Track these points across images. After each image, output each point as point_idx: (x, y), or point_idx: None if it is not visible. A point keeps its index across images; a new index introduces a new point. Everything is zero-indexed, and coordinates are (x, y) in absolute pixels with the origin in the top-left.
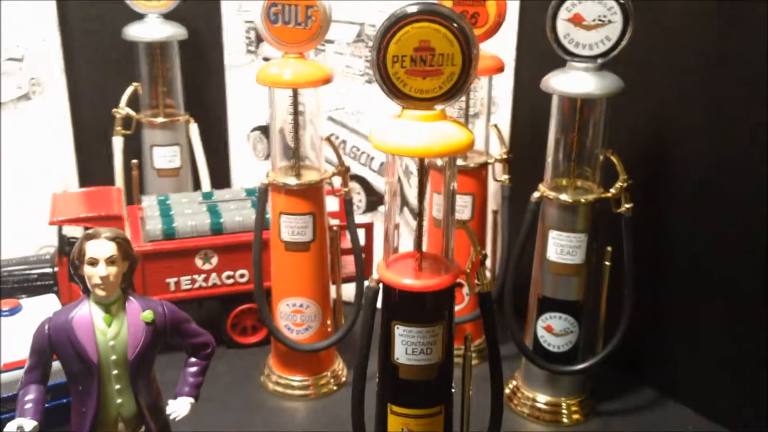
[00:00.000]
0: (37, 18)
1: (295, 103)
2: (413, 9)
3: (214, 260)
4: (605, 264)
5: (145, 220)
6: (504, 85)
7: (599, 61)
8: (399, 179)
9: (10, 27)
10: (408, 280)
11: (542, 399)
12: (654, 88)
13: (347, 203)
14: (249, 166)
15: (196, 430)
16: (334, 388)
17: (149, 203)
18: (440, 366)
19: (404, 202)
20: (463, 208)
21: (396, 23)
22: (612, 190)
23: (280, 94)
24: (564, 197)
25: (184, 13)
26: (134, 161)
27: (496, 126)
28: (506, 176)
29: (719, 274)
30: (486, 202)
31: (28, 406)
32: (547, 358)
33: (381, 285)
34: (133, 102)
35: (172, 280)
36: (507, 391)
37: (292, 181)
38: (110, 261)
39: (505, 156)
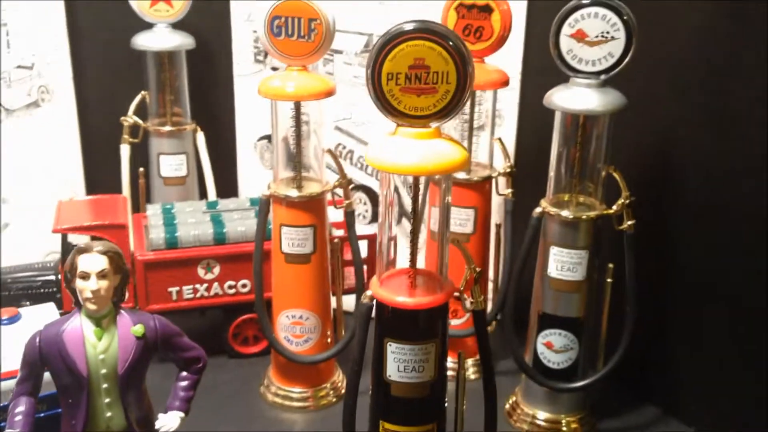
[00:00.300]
0: (47, 27)
1: (298, 116)
2: (408, 27)
3: (216, 270)
4: (607, 281)
5: (148, 229)
6: (510, 99)
7: (602, 77)
8: (397, 191)
9: (20, 35)
10: (400, 298)
11: (542, 416)
12: (658, 104)
13: (348, 215)
14: (256, 176)
15: None
16: (334, 400)
17: (154, 212)
18: (433, 384)
19: (404, 214)
20: (466, 221)
21: (391, 41)
22: (614, 207)
23: (283, 106)
24: (565, 213)
25: (194, 23)
26: (141, 169)
27: (500, 139)
28: (509, 190)
29: (723, 290)
30: (489, 216)
31: (18, 418)
32: (546, 375)
33: (374, 301)
34: (141, 110)
35: (174, 289)
36: (507, 406)
37: (293, 192)
38: (101, 275)
39: (508, 170)
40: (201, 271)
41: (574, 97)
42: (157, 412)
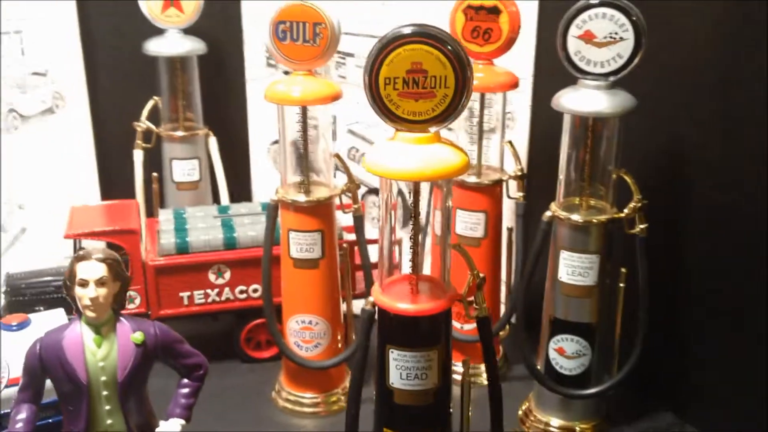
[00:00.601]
0: (61, 33)
1: (304, 120)
2: (405, 30)
3: (227, 275)
4: (619, 285)
5: (159, 234)
6: (522, 101)
7: (611, 78)
8: (401, 194)
9: (34, 42)
10: (401, 304)
11: (555, 423)
12: (669, 105)
13: (357, 219)
14: (270, 180)
15: None
16: (344, 405)
17: (166, 217)
18: (436, 391)
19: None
20: (476, 225)
21: (388, 45)
22: (625, 210)
23: (289, 111)
24: (575, 217)
25: (205, 28)
26: (154, 174)
27: (510, 142)
28: (520, 193)
29: (739, 294)
30: (500, 220)
31: (19, 425)
32: (559, 381)
33: (376, 308)
34: (154, 116)
35: (185, 294)
36: (519, 413)
37: (301, 197)
38: (100, 282)
39: (519, 173)
40: (212, 276)
41: (583, 99)
42: (159, 418)
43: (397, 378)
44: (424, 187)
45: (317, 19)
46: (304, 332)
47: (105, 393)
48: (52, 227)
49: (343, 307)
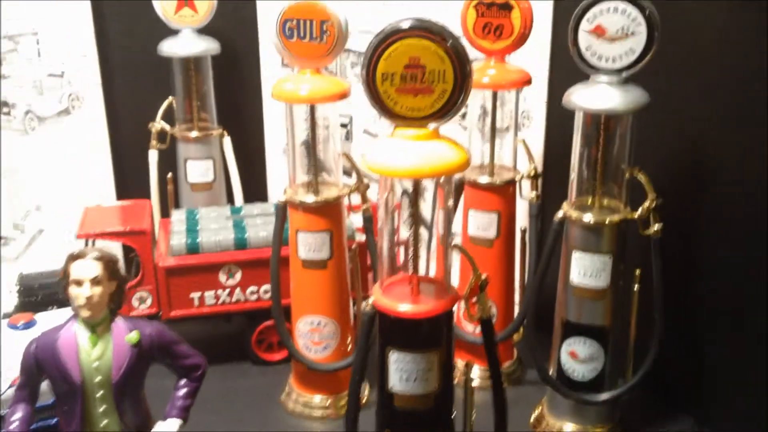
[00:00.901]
0: (76, 35)
1: (312, 119)
2: (402, 25)
3: (238, 275)
4: (633, 287)
5: (171, 235)
6: (538, 99)
7: (623, 74)
8: (406, 193)
9: (50, 44)
10: (400, 306)
11: (569, 427)
12: (685, 102)
13: (366, 220)
14: (285, 180)
15: None
16: None
17: (178, 217)
18: (437, 395)
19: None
20: (489, 226)
21: (385, 39)
22: (639, 210)
23: (298, 110)
24: (587, 217)
25: (221, 28)
26: (169, 175)
27: (524, 141)
28: (534, 193)
29: (757, 295)
30: (513, 220)
31: (15, 425)
32: (571, 386)
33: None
34: (169, 116)
35: (195, 295)
36: (532, 419)
37: (309, 198)
38: (95, 281)
39: (533, 172)
40: (223, 277)
41: (594, 96)
42: (157, 419)
43: (397, 381)
44: (429, 186)
45: (324, 16)
46: (313, 334)
47: (100, 393)
48: (69, 228)
49: (354, 308)
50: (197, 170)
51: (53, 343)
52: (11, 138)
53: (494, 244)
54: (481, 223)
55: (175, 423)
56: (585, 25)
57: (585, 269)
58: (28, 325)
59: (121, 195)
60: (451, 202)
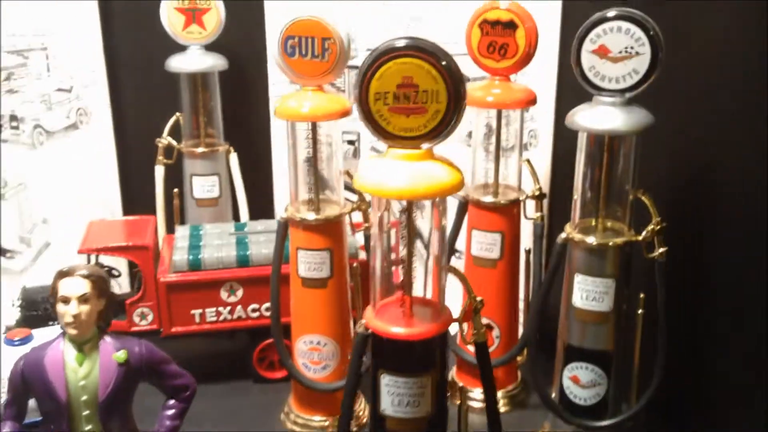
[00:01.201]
0: (85, 50)
1: (314, 137)
2: (395, 44)
3: (240, 293)
4: (638, 312)
5: (174, 251)
6: (546, 119)
7: (627, 95)
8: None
9: (59, 58)
10: (392, 328)
11: None
12: (690, 123)
13: (367, 239)
14: None
15: None
16: (354, 429)
17: (182, 233)
18: (430, 419)
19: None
20: (492, 246)
21: (378, 59)
22: (643, 233)
23: (300, 128)
24: (590, 240)
25: (229, 44)
26: (175, 190)
27: (528, 161)
28: (538, 214)
29: (765, 321)
30: (518, 241)
31: None
32: (573, 411)
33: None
34: (176, 132)
35: (197, 312)
36: None
37: (310, 215)
38: (83, 299)
39: (537, 193)
40: (224, 294)
41: (598, 117)
42: None
43: (389, 404)
44: (428, 203)
45: (326, 34)
46: (312, 353)
47: (86, 413)
48: (76, 242)
49: (354, 328)
50: (203, 186)
51: (40, 361)
52: (19, 152)
53: (498, 265)
54: (484, 244)
55: None
56: (588, 45)
57: (587, 292)
58: (25, 340)
59: (127, 210)
60: (445, 222)
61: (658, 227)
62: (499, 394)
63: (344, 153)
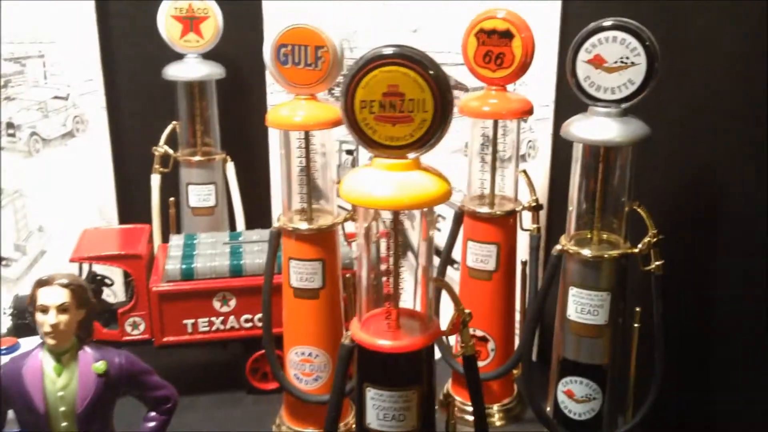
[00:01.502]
0: (82, 58)
1: (307, 146)
2: (381, 52)
3: (233, 303)
4: (634, 326)
5: (167, 260)
6: (545, 129)
7: (622, 105)
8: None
9: (56, 66)
10: (378, 340)
11: None
12: (688, 134)
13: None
14: None
15: None
16: None
17: (176, 242)
18: None
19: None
20: (487, 258)
21: (363, 67)
22: (639, 246)
23: (293, 137)
24: (586, 252)
25: (227, 52)
26: (171, 199)
27: (524, 171)
28: (535, 225)
29: (763, 335)
30: (514, 252)
31: None
32: (568, 426)
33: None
34: (173, 140)
35: (189, 322)
36: None
37: (302, 225)
38: (62, 309)
39: (533, 204)
40: (217, 304)
41: (592, 128)
42: None
43: (374, 418)
44: (416, 216)
45: (319, 42)
46: (303, 364)
47: (64, 424)
48: (71, 250)
49: None
50: (198, 195)
51: (19, 371)
52: (15, 159)
53: (493, 277)
54: (480, 255)
55: None
56: (583, 55)
57: (582, 306)
58: (11, 349)
59: (124, 218)
60: (433, 233)
61: (655, 240)
62: (495, 407)
63: (342, 163)
